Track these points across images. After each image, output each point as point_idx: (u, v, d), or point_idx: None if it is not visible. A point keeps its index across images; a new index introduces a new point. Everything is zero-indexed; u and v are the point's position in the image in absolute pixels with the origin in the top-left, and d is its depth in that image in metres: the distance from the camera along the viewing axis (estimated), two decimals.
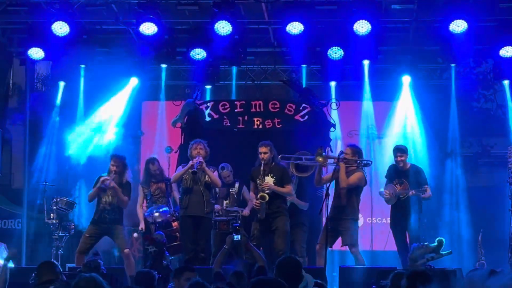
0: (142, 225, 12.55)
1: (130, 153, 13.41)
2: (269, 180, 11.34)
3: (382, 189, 11.77)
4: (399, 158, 11.58)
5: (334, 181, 11.33)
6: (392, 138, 13.86)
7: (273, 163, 11.38)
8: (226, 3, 12.27)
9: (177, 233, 12.05)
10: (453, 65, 14.19)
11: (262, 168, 11.34)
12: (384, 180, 12.00)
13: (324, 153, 11.34)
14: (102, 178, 11.50)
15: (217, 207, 12.40)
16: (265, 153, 11.31)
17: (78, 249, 11.47)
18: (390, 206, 11.71)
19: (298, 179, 12.21)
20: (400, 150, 11.65)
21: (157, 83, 15.00)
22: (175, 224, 12.17)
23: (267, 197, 11.23)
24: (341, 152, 11.43)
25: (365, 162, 11.59)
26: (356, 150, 11.50)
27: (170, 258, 11.50)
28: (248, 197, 12.29)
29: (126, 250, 11.55)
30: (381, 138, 13.90)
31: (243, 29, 12.81)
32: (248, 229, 11.34)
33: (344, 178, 11.23)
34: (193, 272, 7.99)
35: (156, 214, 12.17)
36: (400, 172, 11.62)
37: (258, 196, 11.26)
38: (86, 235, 11.53)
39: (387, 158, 12.52)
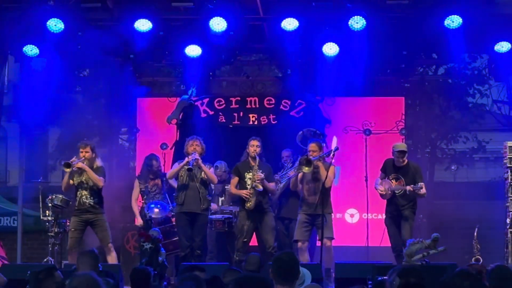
0: (139, 221, 12.53)
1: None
2: (255, 172, 11.52)
3: (377, 184, 11.74)
4: (401, 160, 11.52)
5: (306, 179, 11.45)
6: (387, 134, 13.86)
7: (260, 160, 11.54)
8: (221, 0, 12.28)
9: (175, 229, 12.05)
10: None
11: (252, 163, 11.50)
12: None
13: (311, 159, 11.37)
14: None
15: (213, 205, 12.43)
16: (257, 146, 11.47)
17: (68, 246, 11.46)
18: (385, 202, 11.71)
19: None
20: (402, 153, 11.54)
21: (152, 80, 15.01)
22: (174, 219, 12.18)
23: (261, 186, 11.38)
24: (336, 148, 11.47)
25: (334, 151, 11.53)
26: (320, 145, 11.58)
27: (168, 253, 11.53)
28: None
29: (110, 245, 11.55)
30: (376, 134, 13.88)
31: (238, 25, 12.81)
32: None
33: (330, 177, 11.32)
34: (203, 272, 7.98)
35: (156, 210, 12.18)
36: (397, 168, 11.59)
37: (253, 185, 11.38)
38: (72, 229, 11.49)
39: (382, 154, 12.51)
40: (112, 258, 11.41)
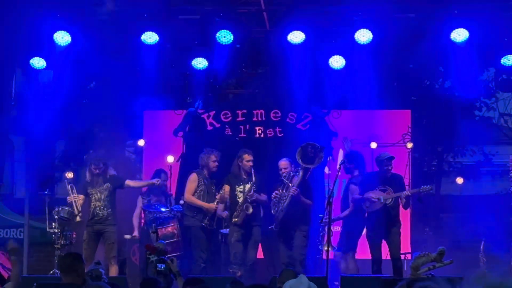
0: (136, 233, 12.70)
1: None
2: (248, 187, 11.57)
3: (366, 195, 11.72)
4: (390, 167, 11.62)
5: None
6: (393, 147, 13.84)
7: (253, 170, 11.65)
8: (227, 13, 12.32)
9: (174, 231, 12.04)
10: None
11: (244, 177, 11.72)
12: None
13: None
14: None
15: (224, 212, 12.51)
16: (252, 160, 11.60)
17: (83, 257, 11.44)
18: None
19: (302, 176, 11.91)
20: (392, 159, 11.65)
21: (159, 92, 15.01)
22: (173, 222, 12.15)
23: (251, 210, 11.52)
24: (343, 161, 11.46)
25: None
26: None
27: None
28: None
29: (112, 258, 11.64)
30: (383, 146, 13.86)
31: (245, 38, 12.84)
32: None
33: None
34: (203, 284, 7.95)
35: (163, 209, 12.28)
36: (384, 179, 11.60)
37: (244, 207, 11.48)
38: (85, 240, 11.66)
39: None
40: (111, 272, 11.44)
